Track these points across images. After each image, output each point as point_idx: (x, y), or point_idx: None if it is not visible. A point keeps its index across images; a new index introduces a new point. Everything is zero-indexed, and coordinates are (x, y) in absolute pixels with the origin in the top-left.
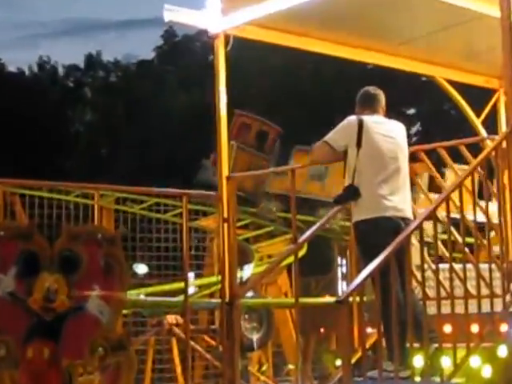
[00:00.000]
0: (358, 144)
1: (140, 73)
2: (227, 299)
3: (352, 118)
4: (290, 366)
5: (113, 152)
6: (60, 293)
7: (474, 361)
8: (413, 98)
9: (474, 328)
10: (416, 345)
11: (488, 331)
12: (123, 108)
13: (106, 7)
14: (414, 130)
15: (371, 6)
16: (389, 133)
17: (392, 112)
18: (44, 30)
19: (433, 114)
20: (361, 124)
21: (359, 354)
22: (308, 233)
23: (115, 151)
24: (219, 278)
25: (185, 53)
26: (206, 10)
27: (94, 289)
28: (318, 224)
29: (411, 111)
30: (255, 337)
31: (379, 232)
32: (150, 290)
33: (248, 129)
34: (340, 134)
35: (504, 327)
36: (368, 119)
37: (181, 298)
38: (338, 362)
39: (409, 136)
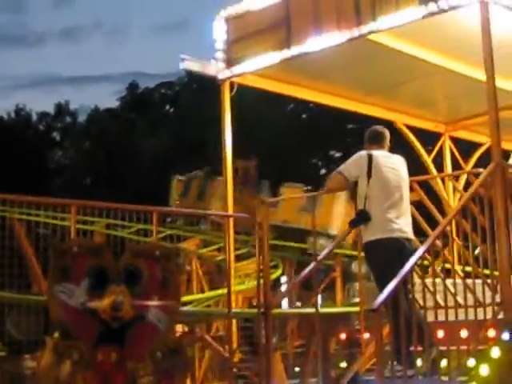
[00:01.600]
0: (369, 175)
1: (105, 118)
2: (262, 309)
3: (363, 153)
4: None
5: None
6: (125, 303)
7: (471, 361)
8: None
9: (464, 333)
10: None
11: (479, 335)
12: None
13: (62, 64)
14: None
15: (346, 61)
16: (393, 165)
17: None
18: (13, 82)
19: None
20: (370, 158)
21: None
22: (325, 252)
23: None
24: (224, 291)
25: (147, 102)
26: (215, 61)
27: (153, 299)
28: (332, 244)
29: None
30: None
31: (387, 250)
32: None
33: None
34: (352, 166)
35: (492, 332)
36: (376, 154)
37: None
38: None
39: None
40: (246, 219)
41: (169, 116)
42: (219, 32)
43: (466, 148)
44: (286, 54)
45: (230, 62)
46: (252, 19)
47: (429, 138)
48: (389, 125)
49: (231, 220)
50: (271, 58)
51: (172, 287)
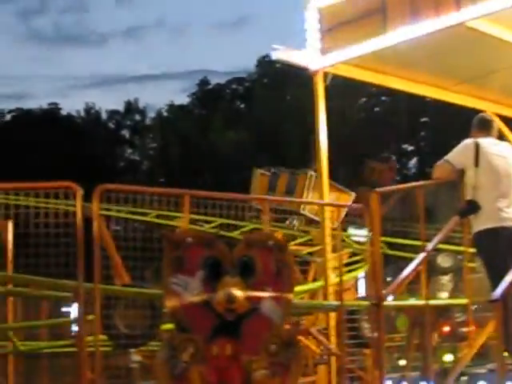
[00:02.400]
0: (476, 163)
1: (176, 115)
2: (374, 301)
3: (469, 141)
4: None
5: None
6: (239, 295)
7: None
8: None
9: None
10: None
11: None
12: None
13: (125, 63)
14: None
15: (438, 49)
16: (501, 153)
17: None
18: (78, 82)
19: None
20: (477, 146)
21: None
22: (433, 242)
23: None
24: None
25: (219, 98)
26: (307, 50)
27: (268, 291)
28: (440, 234)
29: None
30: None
31: (499, 240)
32: None
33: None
34: (459, 154)
35: None
36: (483, 141)
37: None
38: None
39: None
40: (357, 209)
41: (241, 111)
42: (311, 21)
43: None
44: (382, 42)
45: (322, 52)
46: (345, 8)
47: None
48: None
49: (327, 210)
50: (366, 46)
51: (286, 278)
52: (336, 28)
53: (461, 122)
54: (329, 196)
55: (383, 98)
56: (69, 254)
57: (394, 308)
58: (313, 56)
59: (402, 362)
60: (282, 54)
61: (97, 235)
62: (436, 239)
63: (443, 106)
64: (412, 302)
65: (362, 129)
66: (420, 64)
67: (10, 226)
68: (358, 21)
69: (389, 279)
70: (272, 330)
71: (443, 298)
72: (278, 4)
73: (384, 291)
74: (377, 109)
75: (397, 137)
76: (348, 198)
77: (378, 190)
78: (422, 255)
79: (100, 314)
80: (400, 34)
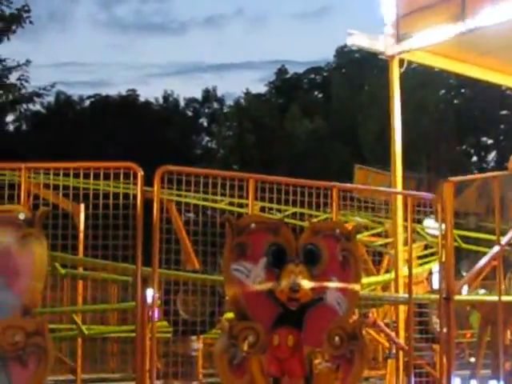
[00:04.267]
0: None
1: (254, 103)
2: (444, 295)
3: None
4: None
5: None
6: (303, 284)
7: None
8: None
9: None
10: None
11: None
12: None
13: (205, 52)
14: None
15: None
16: None
17: None
18: (159, 70)
19: None
20: None
21: None
22: (508, 236)
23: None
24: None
25: (296, 88)
26: (383, 36)
27: (333, 281)
28: None
29: None
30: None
31: None
32: None
33: None
34: None
35: None
36: None
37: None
38: None
39: None
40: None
41: (318, 101)
42: (388, 6)
43: None
44: (461, 28)
45: (399, 38)
46: None
47: None
48: None
49: (399, 199)
50: (444, 32)
51: (352, 268)
52: (413, 13)
53: None
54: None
55: (462, 91)
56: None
57: (465, 303)
58: (388, 41)
59: (473, 360)
60: (357, 39)
61: (156, 218)
62: (511, 233)
63: None
64: (484, 297)
65: (440, 120)
66: (499, 51)
67: (82, 208)
68: (436, 5)
69: (464, 274)
70: (336, 322)
71: None
72: None
73: (455, 285)
74: (456, 101)
75: (476, 130)
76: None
77: (451, 179)
78: (496, 249)
79: (161, 299)
80: (480, 19)
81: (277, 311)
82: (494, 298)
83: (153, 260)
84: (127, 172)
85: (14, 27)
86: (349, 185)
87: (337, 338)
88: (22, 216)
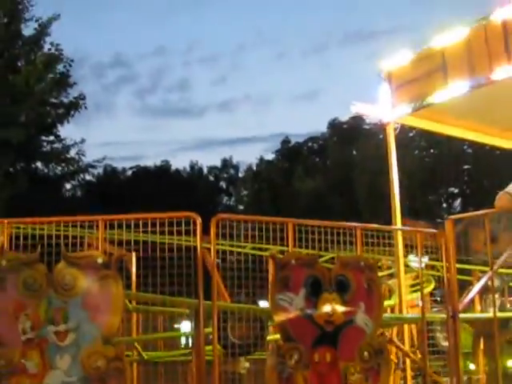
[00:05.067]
0: None
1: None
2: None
3: None
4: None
5: None
6: (337, 309)
7: None
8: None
9: None
10: None
11: None
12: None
13: (220, 130)
14: None
15: (488, 100)
16: None
17: None
18: (182, 145)
19: None
20: None
21: None
22: (498, 262)
23: None
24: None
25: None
26: (380, 104)
27: (361, 306)
28: (503, 256)
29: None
30: (446, 344)
31: None
32: None
33: None
34: None
35: None
36: None
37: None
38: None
39: None
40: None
41: (317, 164)
42: (382, 81)
43: None
44: (443, 96)
45: (393, 107)
46: (410, 69)
47: None
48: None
49: (399, 233)
50: (429, 100)
51: (375, 294)
52: (403, 85)
53: (494, 169)
54: None
55: (431, 150)
56: (183, 280)
57: (465, 320)
58: (385, 109)
59: (471, 367)
60: (359, 108)
61: (213, 258)
62: (501, 259)
63: (480, 156)
64: (483, 314)
65: (415, 175)
66: (473, 114)
67: (134, 257)
68: (422, 79)
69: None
70: (365, 339)
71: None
72: (341, 78)
73: (460, 305)
74: (427, 159)
75: (443, 182)
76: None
77: (451, 217)
78: (489, 274)
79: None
80: (458, 88)
81: (316, 333)
82: (489, 314)
83: (212, 295)
84: (187, 220)
85: (72, 112)
86: (368, 224)
87: (366, 353)
88: (100, 260)
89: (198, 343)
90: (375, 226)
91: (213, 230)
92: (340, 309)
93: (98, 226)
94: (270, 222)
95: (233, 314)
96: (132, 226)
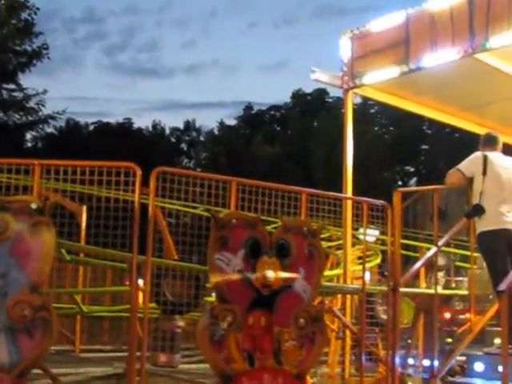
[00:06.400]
0: (484, 173)
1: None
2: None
3: (478, 153)
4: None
5: None
6: (275, 273)
7: None
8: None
9: None
10: None
11: None
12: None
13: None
14: None
15: (449, 79)
16: (505, 165)
17: None
18: (148, 105)
19: None
20: (485, 158)
21: None
22: (444, 239)
23: None
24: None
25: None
26: (340, 73)
27: (300, 272)
28: (450, 232)
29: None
30: (385, 317)
31: (499, 240)
32: None
33: None
34: (470, 164)
35: None
36: (490, 154)
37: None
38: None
39: None
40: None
41: (277, 132)
42: (345, 49)
43: None
44: (403, 70)
45: (353, 76)
46: (374, 39)
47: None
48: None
49: (349, 203)
50: (390, 72)
51: (316, 262)
52: (366, 55)
53: (450, 150)
54: None
55: (391, 128)
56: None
57: (406, 294)
58: (345, 79)
59: (409, 341)
60: (319, 75)
61: (152, 212)
62: (446, 236)
63: (439, 135)
64: (423, 289)
65: (373, 152)
66: (433, 91)
67: (84, 209)
68: (384, 50)
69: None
70: (302, 306)
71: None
72: (309, 51)
73: (401, 279)
74: (386, 136)
75: (400, 160)
76: None
77: (399, 189)
78: (434, 249)
79: (151, 283)
80: (419, 63)
81: (252, 296)
82: (430, 290)
83: (147, 249)
84: (127, 171)
85: (34, 61)
86: (315, 190)
87: (302, 320)
88: (33, 205)
89: (131, 299)
90: (322, 192)
91: (152, 183)
92: (279, 273)
93: (34, 171)
94: (213, 180)
95: (167, 270)
96: (69, 174)
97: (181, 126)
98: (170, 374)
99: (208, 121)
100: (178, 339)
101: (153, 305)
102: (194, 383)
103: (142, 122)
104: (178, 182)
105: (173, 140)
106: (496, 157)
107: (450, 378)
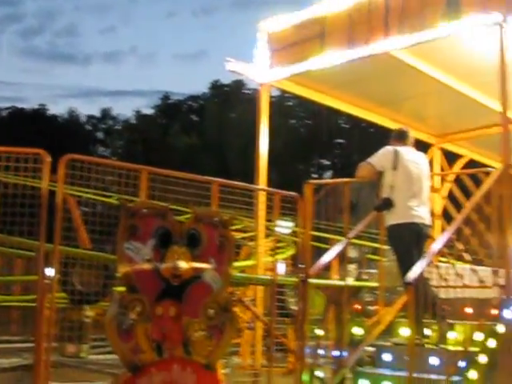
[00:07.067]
0: (394, 167)
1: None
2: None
3: (389, 148)
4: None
5: None
6: (185, 263)
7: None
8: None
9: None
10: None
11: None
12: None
13: (103, 80)
14: None
15: (364, 73)
16: (415, 160)
17: None
18: (64, 91)
19: None
20: (396, 152)
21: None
22: (354, 231)
23: None
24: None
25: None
26: (256, 65)
27: (210, 262)
28: (359, 225)
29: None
30: (295, 308)
31: (408, 233)
32: None
33: None
34: (380, 158)
35: (495, 311)
36: (401, 149)
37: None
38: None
39: None
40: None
41: (194, 123)
42: (262, 41)
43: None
44: (318, 63)
45: (269, 68)
46: (291, 32)
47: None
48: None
49: (262, 194)
50: (305, 66)
51: (227, 252)
52: (281, 49)
53: (365, 146)
54: None
55: (308, 121)
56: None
57: (315, 286)
58: (261, 70)
59: (319, 332)
60: (234, 66)
61: (60, 199)
62: (356, 229)
63: (354, 132)
64: (333, 281)
65: (289, 144)
66: (349, 86)
67: None
68: (300, 44)
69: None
70: (211, 297)
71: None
72: (228, 41)
73: (311, 270)
74: (302, 129)
75: (316, 153)
76: None
77: (311, 181)
78: (344, 241)
79: (59, 272)
80: (334, 57)
81: (161, 286)
82: (340, 282)
83: (55, 237)
84: (36, 158)
85: None
86: (226, 180)
87: (211, 311)
88: None
89: (38, 288)
90: (233, 182)
91: (61, 171)
92: (188, 263)
93: None
94: (125, 168)
95: (76, 259)
96: None
97: (97, 114)
98: (79, 364)
99: (125, 109)
100: (87, 329)
101: (62, 294)
102: (103, 374)
103: (58, 108)
104: (89, 170)
105: (89, 128)
106: (407, 152)
107: (360, 368)
